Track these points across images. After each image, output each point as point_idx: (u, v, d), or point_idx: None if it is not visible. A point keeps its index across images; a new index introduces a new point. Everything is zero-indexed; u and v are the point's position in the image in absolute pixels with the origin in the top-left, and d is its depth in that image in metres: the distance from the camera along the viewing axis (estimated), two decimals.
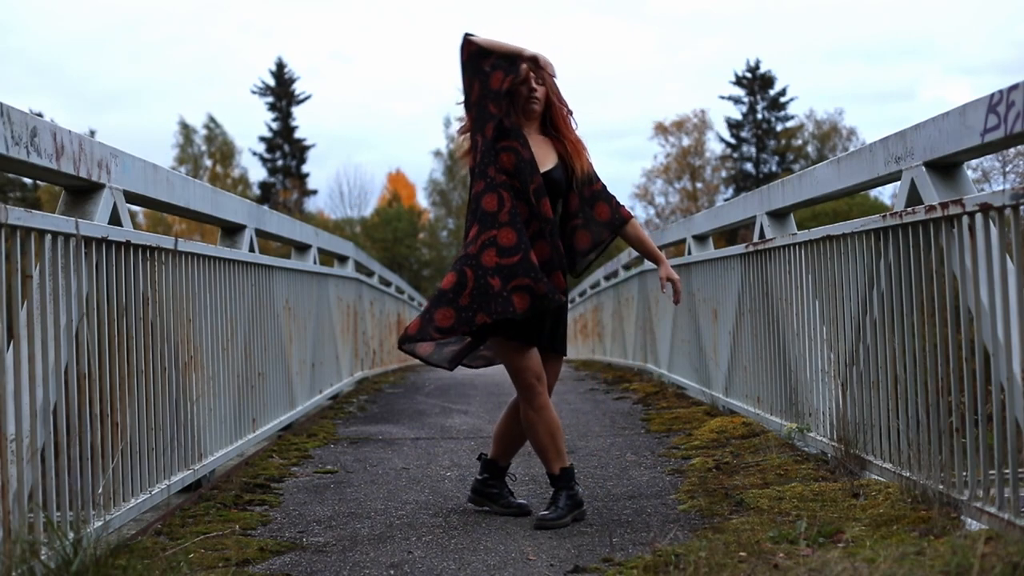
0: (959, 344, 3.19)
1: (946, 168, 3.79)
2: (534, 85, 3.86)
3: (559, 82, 3.94)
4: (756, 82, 46.10)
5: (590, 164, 3.96)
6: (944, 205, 3.24)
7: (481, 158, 3.79)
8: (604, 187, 3.99)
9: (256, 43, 64.62)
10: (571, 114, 3.97)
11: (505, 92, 3.79)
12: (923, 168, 3.82)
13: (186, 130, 44.96)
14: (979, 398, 3.07)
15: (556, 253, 3.82)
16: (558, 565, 3.15)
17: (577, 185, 3.93)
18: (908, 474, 3.54)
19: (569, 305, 3.96)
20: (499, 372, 4.03)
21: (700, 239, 7.99)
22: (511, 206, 3.73)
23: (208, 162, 44.85)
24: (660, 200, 48.08)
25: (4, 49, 57.24)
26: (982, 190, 4.09)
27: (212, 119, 45.78)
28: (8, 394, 2.75)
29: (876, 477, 3.87)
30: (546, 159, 3.88)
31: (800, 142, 46.73)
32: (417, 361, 16.87)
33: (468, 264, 3.70)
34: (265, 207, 7.13)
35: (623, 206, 4.00)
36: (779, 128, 46.41)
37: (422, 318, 3.73)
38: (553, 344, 3.90)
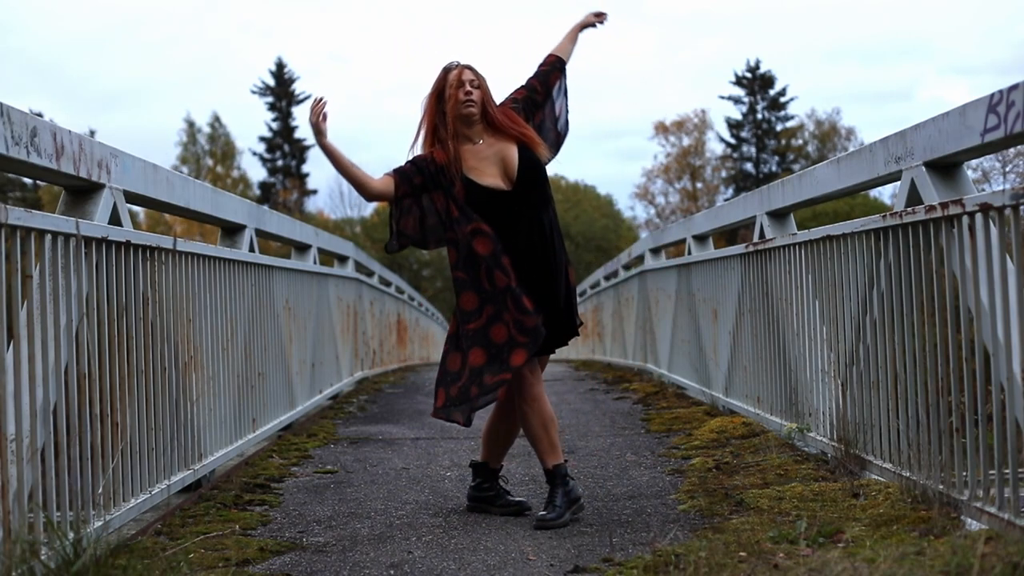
0: (959, 344, 3.19)
1: (946, 168, 3.79)
2: (469, 88, 3.87)
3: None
4: (756, 82, 46.10)
5: (539, 138, 3.98)
6: (944, 205, 3.24)
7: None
8: (525, 96, 4.07)
9: (256, 43, 64.66)
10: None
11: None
12: (923, 168, 3.81)
13: (191, 128, 45.01)
14: (979, 398, 3.07)
15: (539, 251, 3.83)
16: (558, 565, 3.15)
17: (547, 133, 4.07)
18: (908, 474, 3.54)
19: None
20: None
21: (700, 239, 7.98)
22: (479, 304, 3.79)
23: (209, 162, 44.86)
24: (660, 200, 48.11)
25: (3, 49, 57.27)
26: (982, 190, 4.09)
27: (217, 118, 45.83)
28: (8, 394, 2.75)
29: (876, 477, 3.87)
30: (511, 155, 3.86)
31: (800, 142, 46.73)
32: (417, 361, 16.67)
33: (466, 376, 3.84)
34: (265, 207, 7.13)
35: (539, 74, 4.11)
36: (779, 128, 46.40)
37: (437, 388, 3.90)
38: (560, 336, 3.93)
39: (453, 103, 3.85)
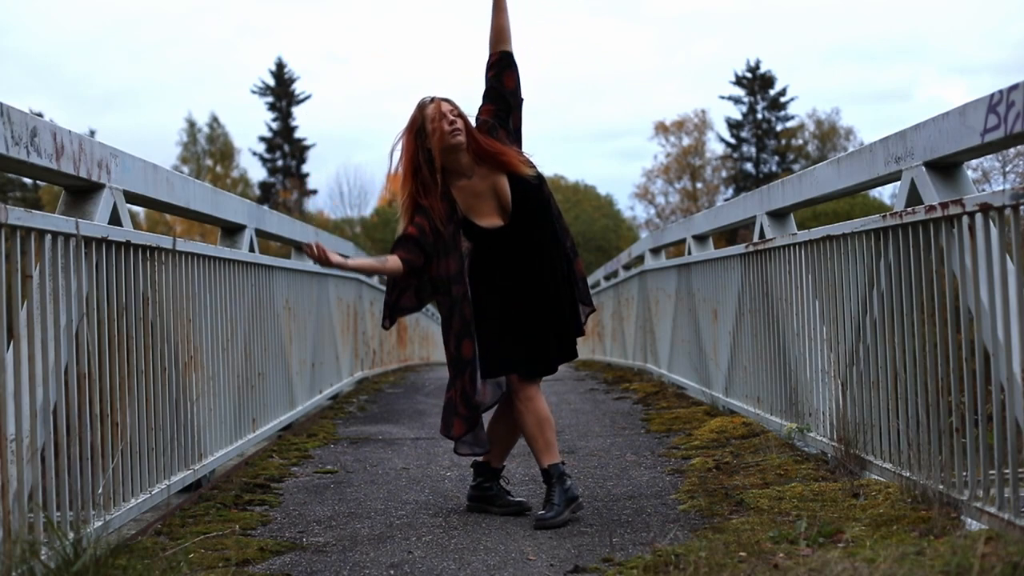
0: (959, 344, 3.19)
1: (946, 168, 3.79)
2: (452, 118, 3.77)
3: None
4: (756, 82, 46.10)
5: (525, 157, 3.88)
6: (944, 205, 3.24)
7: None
8: (494, 112, 3.94)
9: (255, 43, 64.67)
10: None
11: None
12: (923, 168, 3.81)
13: (192, 128, 45.06)
14: (979, 398, 3.07)
15: (538, 270, 3.84)
16: (558, 565, 3.15)
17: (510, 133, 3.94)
18: (908, 474, 3.54)
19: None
20: None
21: (700, 239, 7.98)
22: (454, 354, 3.84)
23: (208, 162, 44.92)
24: (660, 200, 48.12)
25: (3, 49, 57.29)
26: (982, 190, 4.08)
27: (215, 118, 45.92)
28: (8, 394, 2.75)
29: (876, 477, 3.87)
30: (503, 187, 3.83)
31: (800, 142, 46.73)
32: (417, 361, 16.71)
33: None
34: (265, 207, 7.13)
35: (493, 86, 3.95)
36: (779, 128, 46.40)
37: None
38: (561, 354, 3.96)
39: (439, 136, 3.76)
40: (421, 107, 3.83)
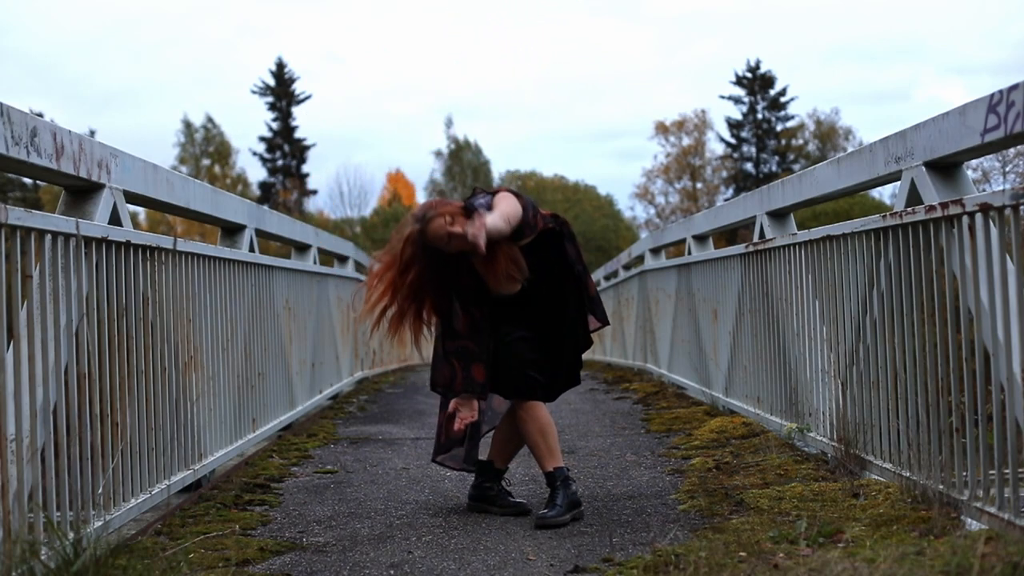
0: (959, 344, 3.19)
1: (946, 168, 3.79)
2: (460, 230, 3.56)
3: None
4: (756, 82, 46.09)
5: (516, 267, 3.78)
6: (944, 205, 3.24)
7: None
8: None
9: (255, 43, 64.64)
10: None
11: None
12: (923, 168, 3.82)
13: (189, 129, 45.08)
14: (979, 398, 3.07)
15: (547, 303, 3.88)
16: (558, 565, 3.15)
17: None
18: (908, 474, 3.54)
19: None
20: None
21: (700, 239, 7.99)
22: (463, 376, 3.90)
23: (206, 162, 44.94)
24: (660, 200, 48.10)
25: (3, 49, 57.27)
26: (982, 190, 4.09)
27: (210, 119, 45.96)
28: (8, 394, 2.75)
29: (876, 477, 3.87)
30: (519, 259, 3.81)
31: (800, 142, 46.74)
32: (417, 361, 16.78)
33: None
34: (265, 207, 7.14)
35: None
36: (779, 128, 46.40)
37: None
38: (568, 379, 4.01)
39: (463, 245, 3.58)
40: (414, 240, 3.63)
